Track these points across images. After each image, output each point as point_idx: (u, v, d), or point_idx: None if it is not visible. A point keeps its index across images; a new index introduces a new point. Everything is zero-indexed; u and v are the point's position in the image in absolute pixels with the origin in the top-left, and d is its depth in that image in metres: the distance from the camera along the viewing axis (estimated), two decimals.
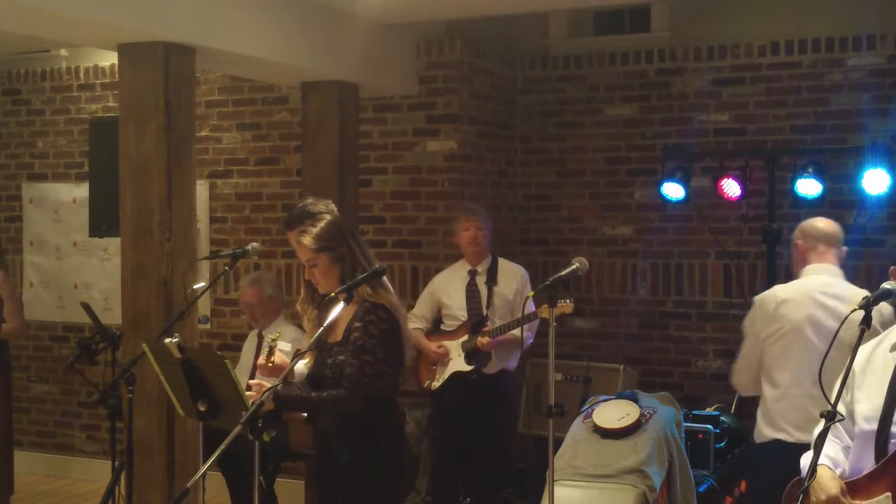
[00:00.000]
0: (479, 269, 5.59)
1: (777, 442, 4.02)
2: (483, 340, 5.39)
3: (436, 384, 5.54)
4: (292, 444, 5.31)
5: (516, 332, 5.35)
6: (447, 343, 5.53)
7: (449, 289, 5.63)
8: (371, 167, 6.55)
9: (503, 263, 5.65)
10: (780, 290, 4.17)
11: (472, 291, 5.56)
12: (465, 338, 5.47)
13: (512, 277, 5.58)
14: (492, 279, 5.56)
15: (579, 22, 7.09)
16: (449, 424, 5.61)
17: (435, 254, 6.48)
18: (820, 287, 4.05)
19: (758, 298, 4.21)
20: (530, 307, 5.27)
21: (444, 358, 5.50)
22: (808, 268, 4.15)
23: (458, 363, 5.48)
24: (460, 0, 5.77)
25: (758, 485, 4.09)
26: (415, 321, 5.62)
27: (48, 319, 7.55)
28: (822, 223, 4.22)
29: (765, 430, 4.09)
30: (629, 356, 6.54)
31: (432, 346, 5.53)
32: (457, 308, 5.58)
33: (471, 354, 5.46)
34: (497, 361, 5.48)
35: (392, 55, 6.27)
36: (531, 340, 5.49)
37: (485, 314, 5.49)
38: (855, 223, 5.94)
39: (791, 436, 3.97)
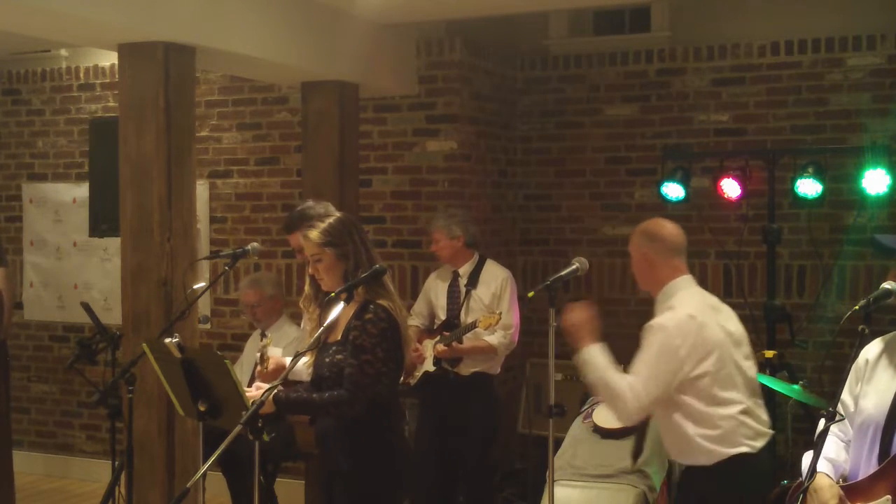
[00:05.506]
0: (461, 271, 5.54)
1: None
2: (438, 348, 5.38)
3: (412, 381, 5.52)
4: (300, 444, 5.31)
5: (490, 339, 5.33)
6: (427, 342, 5.51)
7: (436, 288, 5.62)
8: (371, 167, 6.55)
9: (489, 266, 5.56)
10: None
11: (453, 293, 5.53)
12: (438, 338, 5.46)
13: (492, 281, 5.48)
14: (472, 282, 5.49)
15: (579, 22, 7.08)
16: (426, 422, 5.60)
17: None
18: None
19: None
20: (510, 307, 5.31)
21: (420, 358, 5.47)
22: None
23: (427, 363, 5.46)
24: (460, 0, 5.77)
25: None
26: (413, 318, 5.63)
27: (48, 319, 7.55)
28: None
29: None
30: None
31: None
32: (439, 308, 5.57)
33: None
34: (469, 364, 5.43)
35: (392, 55, 6.27)
36: (510, 347, 5.43)
37: (459, 316, 5.45)
38: (855, 223, 5.95)
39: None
